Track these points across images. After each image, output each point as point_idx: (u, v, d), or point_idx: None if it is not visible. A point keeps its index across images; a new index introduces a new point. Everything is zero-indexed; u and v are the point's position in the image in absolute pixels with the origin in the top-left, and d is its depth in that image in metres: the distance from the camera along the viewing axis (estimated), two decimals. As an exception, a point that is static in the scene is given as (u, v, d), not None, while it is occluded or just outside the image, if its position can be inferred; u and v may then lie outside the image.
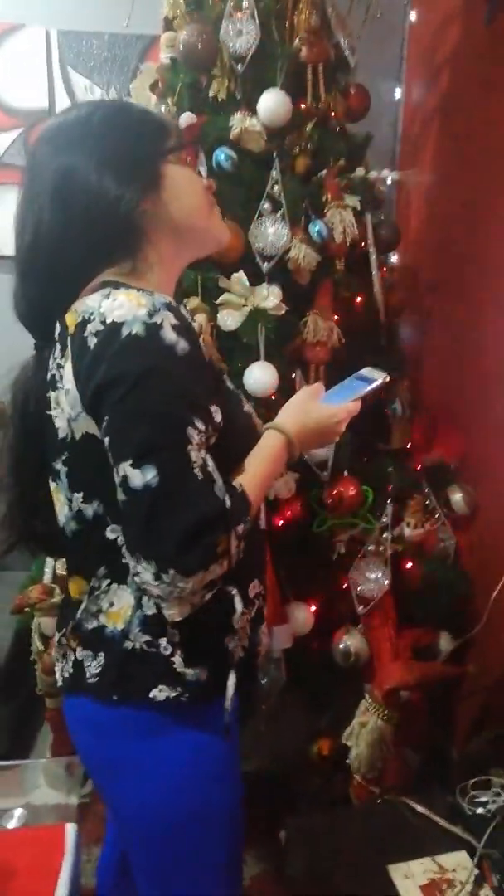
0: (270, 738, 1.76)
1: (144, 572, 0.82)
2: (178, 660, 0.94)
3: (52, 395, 0.94)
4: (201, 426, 0.85)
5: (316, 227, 1.59)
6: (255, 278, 1.60)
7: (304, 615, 1.67)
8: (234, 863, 1.09)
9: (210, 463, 0.86)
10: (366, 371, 1.14)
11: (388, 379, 1.13)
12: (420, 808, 1.39)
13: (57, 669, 1.04)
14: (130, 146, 0.94)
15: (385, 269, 1.78)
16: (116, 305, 0.85)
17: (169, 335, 0.84)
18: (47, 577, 1.94)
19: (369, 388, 1.10)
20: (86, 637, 0.97)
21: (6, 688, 2.02)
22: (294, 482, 1.64)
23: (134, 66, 2.20)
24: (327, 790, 1.78)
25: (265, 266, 1.60)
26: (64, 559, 1.11)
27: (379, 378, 1.11)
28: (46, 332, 0.95)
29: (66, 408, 0.90)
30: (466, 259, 1.83)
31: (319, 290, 1.65)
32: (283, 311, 1.60)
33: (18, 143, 2.33)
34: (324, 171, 1.65)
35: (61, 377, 0.91)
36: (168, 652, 0.94)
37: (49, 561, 1.96)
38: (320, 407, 1.06)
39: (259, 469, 0.96)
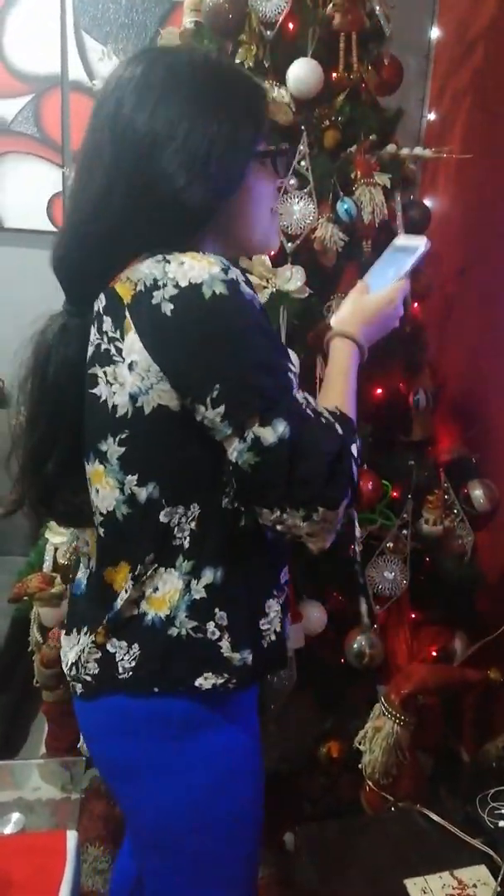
0: (278, 738, 1.70)
1: (290, 518, 0.82)
2: (225, 644, 0.91)
3: (102, 370, 0.88)
4: (293, 367, 0.88)
5: (344, 206, 1.51)
6: (279, 258, 1.52)
7: (317, 614, 1.61)
8: (254, 863, 1.08)
9: (312, 400, 0.87)
10: (402, 240, 1.09)
11: (429, 245, 1.07)
12: (436, 818, 1.34)
13: (72, 670, 0.97)
14: (227, 143, 0.85)
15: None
16: (188, 268, 0.81)
17: (247, 290, 0.84)
18: (47, 566, 1.88)
19: (413, 259, 1.06)
20: (120, 627, 0.92)
21: (1, 679, 1.96)
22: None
23: (153, 31, 2.10)
24: (334, 793, 1.73)
25: (289, 246, 1.53)
26: (81, 548, 1.05)
27: (420, 245, 1.06)
28: (82, 300, 0.91)
29: (130, 381, 0.85)
30: (496, 243, 1.76)
31: (345, 272, 1.57)
32: (306, 294, 1.53)
33: (28, 109, 2.23)
34: (353, 147, 1.56)
35: (119, 350, 0.86)
36: (216, 636, 0.90)
37: (49, 549, 1.90)
38: (374, 298, 1.04)
39: (345, 385, 0.96)
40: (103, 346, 0.87)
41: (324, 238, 1.51)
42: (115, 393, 0.87)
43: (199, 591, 0.90)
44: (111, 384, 0.87)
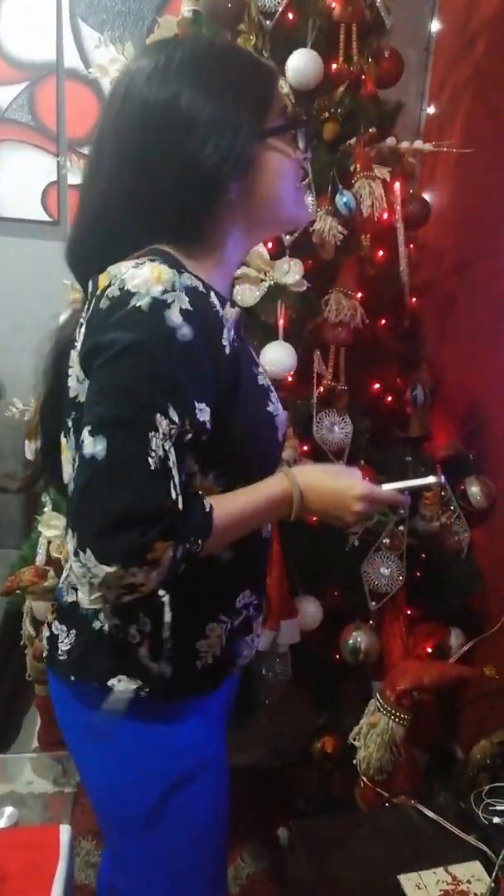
0: (272, 733, 1.70)
1: (69, 543, 0.77)
2: (143, 651, 0.90)
3: (72, 352, 0.90)
4: (175, 417, 0.78)
5: (343, 199, 1.50)
6: (277, 251, 1.51)
7: (312, 609, 1.61)
8: (212, 869, 1.05)
9: (172, 458, 0.78)
10: (421, 479, 1.04)
11: (440, 484, 1.03)
12: (431, 814, 1.34)
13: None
14: (235, 123, 0.84)
15: (412, 247, 1.69)
16: (137, 275, 0.80)
17: (173, 317, 0.78)
18: (40, 559, 1.87)
19: (413, 483, 1.02)
20: (63, 610, 0.96)
21: (-6, 672, 1.95)
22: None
23: (150, 19, 2.08)
24: (328, 788, 1.73)
25: (287, 238, 1.51)
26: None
27: (429, 478, 1.02)
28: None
29: (76, 367, 0.87)
30: (495, 238, 1.75)
31: (343, 266, 1.56)
32: (304, 288, 1.52)
33: (23, 97, 2.20)
34: (353, 140, 1.55)
35: (79, 336, 0.87)
36: (136, 640, 0.90)
37: (42, 542, 1.89)
38: (346, 478, 0.94)
39: (243, 503, 0.87)
40: (78, 330, 0.89)
41: (322, 231, 1.50)
42: (70, 375, 0.89)
43: None
44: (71, 367, 0.89)
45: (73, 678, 0.93)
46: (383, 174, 1.54)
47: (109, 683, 0.90)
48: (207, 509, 0.82)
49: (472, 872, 1.22)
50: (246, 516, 0.87)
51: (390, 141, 1.58)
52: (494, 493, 1.78)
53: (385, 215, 1.57)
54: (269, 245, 1.52)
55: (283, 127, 0.90)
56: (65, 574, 0.96)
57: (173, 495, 0.77)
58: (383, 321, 1.66)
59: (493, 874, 1.19)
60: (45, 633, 0.99)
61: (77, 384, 0.87)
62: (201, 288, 0.83)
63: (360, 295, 1.56)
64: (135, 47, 1.95)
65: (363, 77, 1.58)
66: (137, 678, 0.90)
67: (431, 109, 2.08)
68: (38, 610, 1.80)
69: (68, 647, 0.93)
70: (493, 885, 1.18)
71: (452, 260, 1.97)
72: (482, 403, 1.84)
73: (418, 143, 1.59)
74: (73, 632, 0.93)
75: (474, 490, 1.78)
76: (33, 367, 0.99)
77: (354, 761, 1.54)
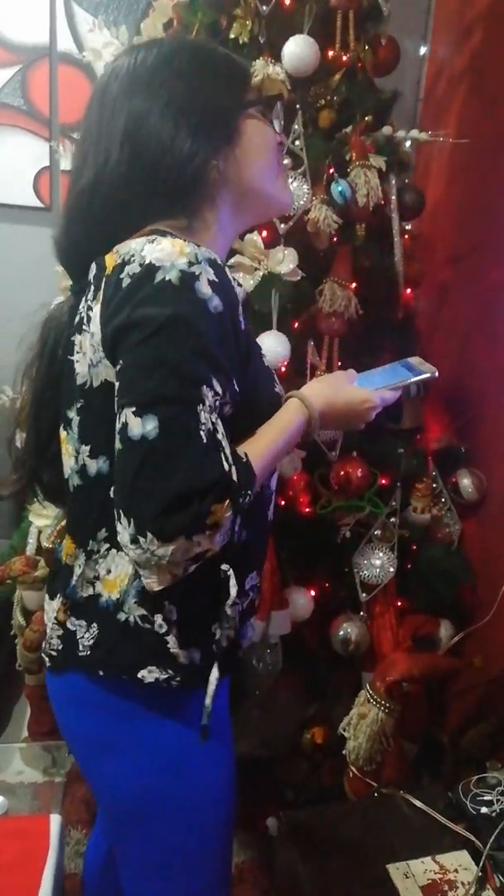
0: (262, 723, 1.70)
1: (123, 532, 0.76)
2: (172, 639, 0.88)
3: (77, 338, 0.89)
4: (218, 388, 0.79)
5: (339, 188, 1.48)
6: (271, 240, 1.49)
7: (303, 600, 1.61)
8: (220, 857, 1.03)
9: (220, 429, 0.79)
10: (413, 360, 1.04)
11: (436, 375, 1.02)
12: (419, 804, 1.34)
13: (44, 646, 0.97)
14: (211, 95, 0.89)
15: (406, 238, 1.68)
16: (158, 249, 0.79)
17: (204, 289, 0.78)
18: (30, 549, 1.86)
19: (413, 379, 1.01)
20: (79, 606, 0.91)
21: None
22: (300, 461, 1.56)
23: (145, 3, 2.04)
24: (317, 778, 1.74)
25: (282, 227, 1.50)
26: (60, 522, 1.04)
27: (427, 372, 1.02)
28: (84, 276, 0.89)
29: (88, 352, 0.85)
30: (490, 230, 1.74)
31: (338, 256, 1.55)
32: (298, 277, 1.50)
33: (15, 81, 2.16)
34: (349, 128, 1.54)
35: (89, 320, 0.85)
36: (163, 630, 0.88)
37: (32, 531, 1.88)
38: (353, 388, 1.00)
39: (271, 440, 0.89)
40: (81, 314, 0.88)
41: (317, 220, 1.48)
42: (78, 362, 0.88)
43: None
44: (78, 352, 0.88)
45: (101, 672, 0.90)
46: (379, 163, 1.53)
47: (140, 675, 0.88)
48: (245, 459, 0.83)
49: (459, 862, 1.23)
50: (274, 453, 0.89)
51: (386, 130, 1.57)
52: (486, 486, 1.78)
53: (380, 205, 1.56)
54: (264, 234, 1.50)
55: (260, 99, 0.95)
56: (78, 571, 0.92)
57: (226, 466, 0.77)
58: (374, 312, 1.65)
59: (481, 863, 1.20)
60: (57, 631, 0.94)
61: (89, 369, 0.86)
62: (219, 261, 0.82)
63: (353, 285, 1.55)
64: (129, 31, 1.93)
65: (360, 65, 1.56)
66: (168, 668, 0.88)
67: (428, 99, 2.06)
68: (29, 599, 1.79)
69: (91, 641, 0.90)
70: (480, 874, 1.19)
71: (447, 251, 1.96)
72: (475, 396, 1.83)
73: (414, 133, 1.58)
74: (95, 625, 0.90)
75: (466, 482, 1.78)
76: (23, 355, 0.98)
77: (344, 752, 1.54)
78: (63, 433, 0.93)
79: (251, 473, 0.83)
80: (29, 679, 1.82)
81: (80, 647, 0.91)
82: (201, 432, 0.76)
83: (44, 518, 1.81)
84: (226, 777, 0.99)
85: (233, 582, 0.87)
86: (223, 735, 0.99)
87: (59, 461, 0.97)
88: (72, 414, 0.90)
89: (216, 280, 0.79)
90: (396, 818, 1.33)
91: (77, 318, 0.90)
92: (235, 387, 0.83)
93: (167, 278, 0.77)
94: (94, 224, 0.88)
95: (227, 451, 0.79)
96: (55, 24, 2.15)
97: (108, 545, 0.90)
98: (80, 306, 0.89)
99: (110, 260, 0.83)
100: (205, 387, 0.77)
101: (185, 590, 0.86)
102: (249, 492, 0.82)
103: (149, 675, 0.88)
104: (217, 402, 0.79)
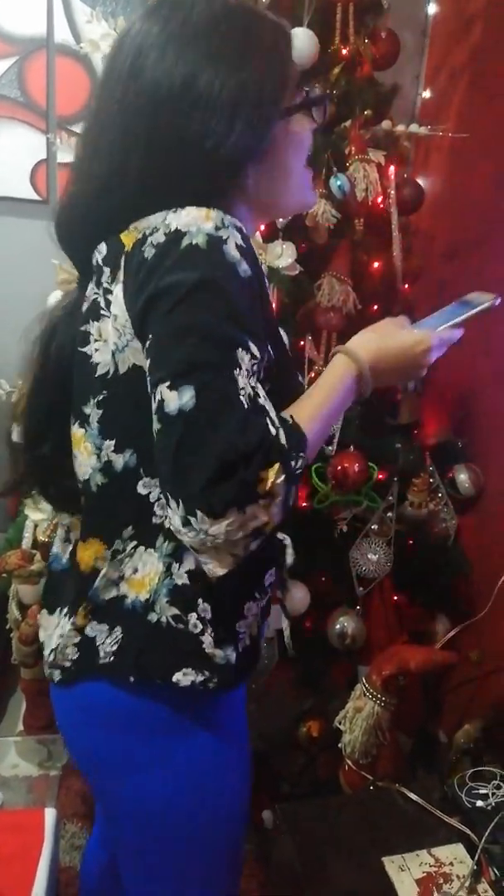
0: (258, 717, 1.70)
1: (174, 516, 0.70)
2: (207, 639, 0.82)
3: (91, 326, 0.83)
4: (255, 351, 0.73)
5: (338, 182, 1.48)
6: (270, 234, 1.49)
7: (300, 594, 1.61)
8: (236, 869, 1.01)
9: (262, 393, 0.73)
10: (472, 295, 0.95)
11: (497, 302, 0.93)
12: (414, 797, 1.35)
13: (50, 656, 0.90)
14: (256, 98, 0.78)
15: (405, 232, 1.68)
16: (183, 215, 0.75)
17: (233, 251, 0.74)
18: (26, 543, 1.86)
19: (471, 312, 0.91)
20: (100, 609, 0.84)
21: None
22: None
23: (143, -6, 2.04)
24: (313, 771, 1.74)
25: (281, 221, 1.49)
26: (61, 521, 1.00)
27: (486, 301, 0.92)
28: (88, 263, 0.84)
29: (111, 337, 0.80)
30: (488, 225, 1.74)
31: (336, 250, 1.55)
32: (296, 272, 1.51)
33: (12, 72, 2.15)
34: (348, 122, 1.53)
35: (107, 304, 0.80)
36: (198, 629, 0.82)
37: (28, 525, 1.87)
38: (404, 333, 0.89)
39: (319, 402, 0.81)
40: (98, 300, 0.82)
41: (316, 214, 1.48)
42: (97, 350, 0.82)
43: (181, 577, 0.82)
44: (97, 340, 0.82)
45: (132, 678, 0.83)
46: (378, 157, 1.53)
47: (175, 679, 0.82)
48: (292, 421, 0.77)
49: (454, 855, 1.24)
50: (324, 415, 0.82)
51: (385, 124, 1.57)
52: (482, 481, 1.79)
53: (379, 199, 1.56)
54: (262, 228, 1.50)
55: (303, 104, 0.86)
56: (102, 572, 0.85)
57: (272, 430, 0.72)
58: (375, 307, 1.65)
59: (476, 856, 1.20)
60: (73, 639, 0.86)
61: (113, 356, 0.80)
62: (245, 230, 0.78)
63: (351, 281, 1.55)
64: (126, 22, 1.91)
65: (360, 58, 1.56)
66: (204, 669, 0.83)
67: (427, 93, 2.06)
68: (25, 593, 1.79)
69: (115, 646, 0.83)
70: (475, 867, 1.20)
71: (445, 245, 1.96)
72: (472, 391, 1.83)
73: (414, 127, 1.58)
74: (119, 629, 0.84)
75: (462, 477, 1.78)
76: (20, 348, 0.94)
77: (340, 745, 1.55)
78: (79, 431, 0.86)
79: (301, 435, 0.76)
80: (24, 673, 1.82)
81: (101, 654, 0.84)
82: (241, 397, 0.70)
83: (40, 512, 1.81)
84: (247, 787, 0.96)
85: (289, 551, 0.83)
86: (244, 744, 0.95)
87: (64, 467, 0.91)
88: (89, 409, 0.84)
89: (244, 245, 0.75)
90: (392, 811, 1.34)
91: (86, 307, 0.84)
92: (271, 352, 0.78)
93: (194, 242, 0.72)
94: (109, 212, 0.81)
95: (273, 414, 0.74)
96: (52, 15, 2.14)
97: (134, 542, 0.84)
98: (89, 292, 0.84)
99: (128, 238, 0.78)
100: (240, 349, 0.72)
101: (215, 588, 0.81)
102: (302, 454, 0.75)
103: (184, 678, 0.82)
104: (255, 367, 0.74)
